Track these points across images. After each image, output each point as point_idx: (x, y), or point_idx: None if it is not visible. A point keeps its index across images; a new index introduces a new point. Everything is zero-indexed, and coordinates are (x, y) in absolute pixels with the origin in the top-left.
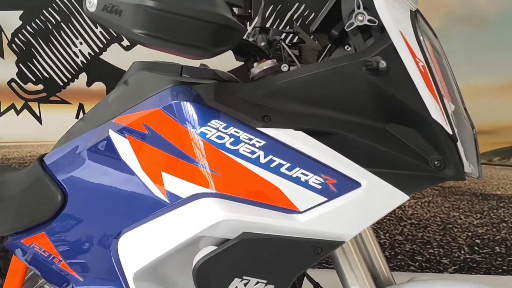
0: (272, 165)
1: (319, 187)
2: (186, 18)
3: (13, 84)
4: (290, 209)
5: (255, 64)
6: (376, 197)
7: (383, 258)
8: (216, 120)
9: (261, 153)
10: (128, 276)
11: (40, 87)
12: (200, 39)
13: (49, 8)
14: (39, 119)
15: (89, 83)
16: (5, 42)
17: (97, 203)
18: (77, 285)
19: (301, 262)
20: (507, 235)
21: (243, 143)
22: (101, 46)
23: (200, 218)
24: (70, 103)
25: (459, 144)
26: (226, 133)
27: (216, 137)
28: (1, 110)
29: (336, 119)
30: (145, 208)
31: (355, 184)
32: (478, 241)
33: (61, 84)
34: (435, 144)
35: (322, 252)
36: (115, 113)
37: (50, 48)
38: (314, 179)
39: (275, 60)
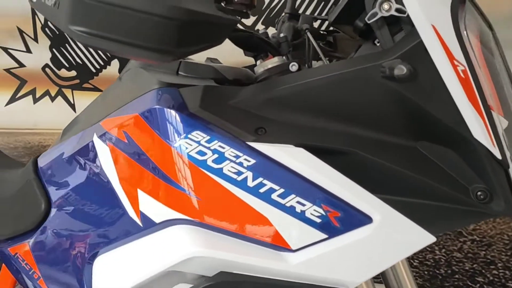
0: (261, 190)
1: (318, 220)
2: (136, 12)
3: (47, 69)
4: (281, 246)
5: (258, 62)
6: (392, 237)
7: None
8: (199, 132)
9: (250, 174)
10: None
11: (73, 73)
12: (156, 39)
13: None
14: (73, 106)
15: (121, 70)
16: (38, 26)
17: (77, 217)
18: None
19: None
20: None
21: (228, 161)
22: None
23: (171, 250)
24: (102, 91)
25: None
26: (209, 148)
27: (197, 153)
28: (37, 96)
29: (350, 135)
30: (121, 229)
31: (366, 219)
32: None
33: (94, 70)
34: (479, 171)
35: None
36: (104, 114)
37: None
38: (312, 210)
39: (284, 57)
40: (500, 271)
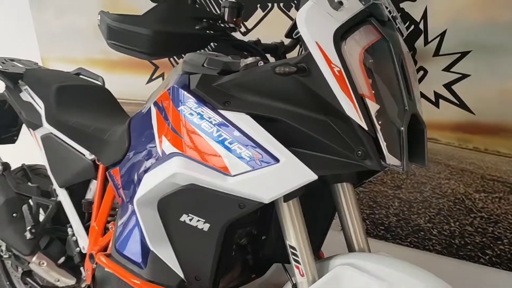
0: (220, 139)
1: (248, 159)
2: (138, 34)
3: (171, 59)
4: (226, 172)
5: (242, 59)
6: (290, 172)
7: (361, 230)
8: (192, 101)
9: (215, 129)
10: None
11: None
12: (147, 47)
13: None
14: None
15: None
16: None
17: (138, 152)
18: (121, 206)
19: (229, 212)
20: None
21: (204, 120)
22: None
23: (168, 169)
24: None
25: (381, 139)
26: (195, 111)
27: (189, 114)
28: (164, 78)
29: (280, 108)
30: (153, 158)
31: (275, 160)
32: None
33: None
34: (359, 137)
35: (245, 208)
36: (160, 89)
37: None
38: (246, 153)
39: (258, 57)
40: (506, 246)
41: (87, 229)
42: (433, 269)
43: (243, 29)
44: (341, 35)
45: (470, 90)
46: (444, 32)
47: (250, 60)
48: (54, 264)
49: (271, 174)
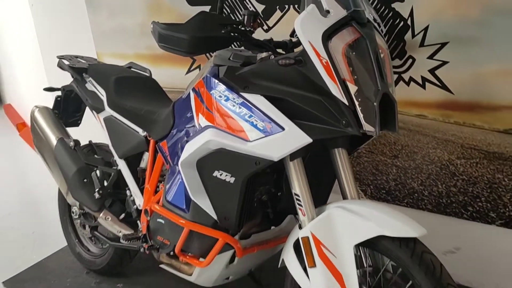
0: (241, 114)
1: (262, 128)
2: (180, 39)
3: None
4: (245, 139)
5: (258, 54)
6: (291, 137)
7: (353, 183)
8: (221, 87)
9: (237, 107)
10: (180, 162)
11: None
12: (186, 47)
13: (224, 4)
14: None
15: None
16: None
17: (180, 127)
18: (169, 169)
19: (249, 168)
20: None
21: (230, 100)
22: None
23: (203, 137)
24: None
25: (359, 112)
26: (223, 94)
27: (218, 96)
28: (191, 68)
29: (286, 91)
30: (193, 130)
31: (281, 129)
32: None
33: None
34: (343, 111)
35: (259, 164)
36: (197, 78)
37: None
38: (260, 124)
39: (270, 52)
40: (484, 203)
41: (141, 191)
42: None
43: (265, 27)
44: (328, 35)
45: (450, 75)
46: (427, 27)
47: (264, 54)
48: (116, 219)
49: (278, 139)
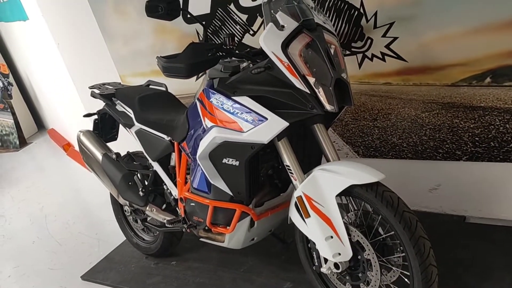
0: (235, 112)
1: (251, 121)
2: (177, 68)
3: None
4: (240, 131)
5: (240, 64)
6: (273, 124)
7: (332, 149)
8: (216, 94)
9: (231, 107)
10: (197, 156)
11: None
12: (181, 72)
13: (215, 19)
14: None
15: None
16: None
17: (194, 128)
18: (192, 163)
19: (247, 152)
20: (497, 134)
21: (224, 104)
22: (241, 35)
23: (210, 135)
24: None
25: (320, 96)
26: (219, 100)
27: (216, 102)
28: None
29: (264, 89)
30: (201, 130)
31: (265, 119)
32: (477, 138)
33: None
34: (309, 98)
35: (254, 148)
36: (199, 89)
37: (219, 39)
38: (250, 118)
39: (250, 61)
40: (450, 145)
41: (175, 184)
42: (409, 171)
43: (251, 32)
44: (286, 44)
45: (401, 47)
46: (376, 12)
47: (245, 64)
48: (160, 209)
49: (264, 127)
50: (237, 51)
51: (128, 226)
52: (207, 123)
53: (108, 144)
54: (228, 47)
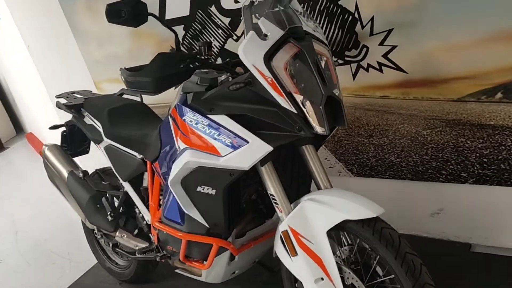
0: (211, 134)
1: (230, 144)
2: (144, 81)
3: None
4: (218, 155)
5: (218, 76)
6: (255, 148)
7: (323, 174)
8: (190, 112)
9: (207, 127)
10: (169, 182)
11: None
12: (149, 87)
13: (195, 22)
14: None
15: None
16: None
17: (167, 147)
18: (164, 187)
19: (225, 179)
20: (508, 156)
21: (199, 123)
22: (224, 40)
23: (183, 159)
24: None
25: (308, 116)
26: (193, 118)
27: (189, 121)
28: None
29: (244, 107)
30: (174, 153)
31: (246, 142)
32: (485, 159)
33: None
34: (295, 118)
35: (233, 175)
36: (172, 105)
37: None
38: (228, 141)
39: (228, 74)
40: (454, 166)
41: (148, 207)
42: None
43: (235, 37)
44: (269, 56)
45: (400, 56)
46: (373, 18)
47: (223, 77)
48: (131, 235)
49: (245, 151)
50: (215, 62)
51: (100, 249)
52: (180, 144)
53: (81, 157)
54: (204, 57)
